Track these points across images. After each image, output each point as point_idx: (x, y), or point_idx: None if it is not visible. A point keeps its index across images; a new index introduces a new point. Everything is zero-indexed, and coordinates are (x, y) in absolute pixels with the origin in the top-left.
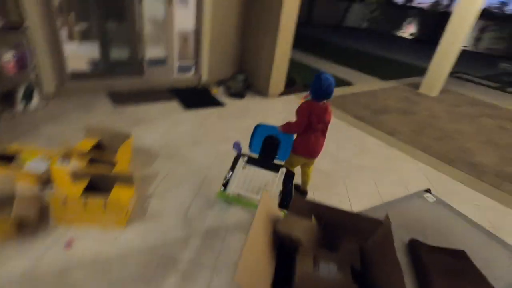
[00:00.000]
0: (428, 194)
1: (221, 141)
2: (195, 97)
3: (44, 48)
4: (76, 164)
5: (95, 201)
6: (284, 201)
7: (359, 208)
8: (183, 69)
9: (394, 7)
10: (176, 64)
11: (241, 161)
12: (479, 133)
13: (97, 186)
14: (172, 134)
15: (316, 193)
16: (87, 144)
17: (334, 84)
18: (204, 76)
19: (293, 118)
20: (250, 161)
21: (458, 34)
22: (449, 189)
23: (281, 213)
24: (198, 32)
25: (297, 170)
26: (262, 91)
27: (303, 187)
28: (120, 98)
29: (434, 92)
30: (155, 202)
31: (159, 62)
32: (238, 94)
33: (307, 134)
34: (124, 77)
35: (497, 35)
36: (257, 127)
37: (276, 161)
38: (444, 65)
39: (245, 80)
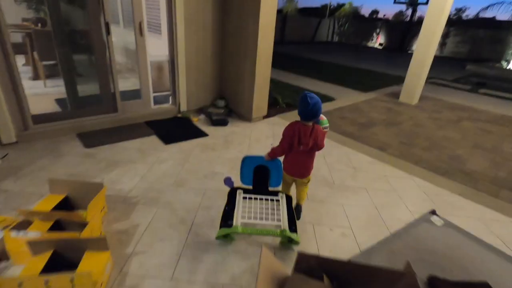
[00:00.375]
0: (434, 217)
1: (208, 177)
2: (176, 129)
3: None
4: (36, 231)
5: (60, 278)
6: (292, 224)
7: (365, 239)
8: (160, 100)
9: (361, 20)
10: (151, 95)
11: (239, 194)
12: (464, 138)
13: (63, 256)
14: (153, 175)
15: (317, 227)
16: (50, 201)
17: (319, 103)
18: (183, 105)
19: (278, 141)
20: (246, 192)
21: (430, 42)
22: (450, 204)
23: (284, 268)
24: (173, 60)
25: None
26: (245, 116)
27: (296, 201)
28: (92, 139)
29: (414, 100)
30: (135, 265)
31: (134, 94)
32: (221, 122)
33: (292, 154)
34: (96, 114)
35: (459, 40)
36: (244, 159)
37: (271, 188)
38: (420, 73)
39: (227, 106)
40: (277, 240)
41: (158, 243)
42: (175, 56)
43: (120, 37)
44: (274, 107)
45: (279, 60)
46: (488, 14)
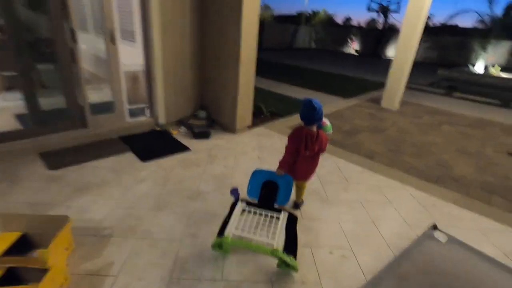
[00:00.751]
0: (437, 233)
1: (193, 198)
2: (154, 144)
3: None
4: None
5: None
6: (289, 246)
7: (367, 261)
8: (135, 113)
9: (336, 27)
10: (126, 107)
11: (240, 206)
12: (447, 143)
13: None
14: (129, 199)
15: (315, 251)
16: (2, 242)
17: (318, 108)
18: (161, 118)
19: (267, 153)
20: (249, 205)
21: (408, 49)
22: (447, 215)
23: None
24: (149, 70)
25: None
26: (228, 127)
27: (296, 200)
28: (57, 159)
29: (395, 106)
30: None
31: (106, 107)
32: (203, 134)
33: (297, 160)
34: (62, 130)
35: (429, 46)
36: (254, 172)
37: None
38: (400, 79)
39: (209, 117)
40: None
41: (136, 285)
42: (152, 65)
43: (91, 45)
44: (258, 117)
45: (259, 67)
46: (454, 22)
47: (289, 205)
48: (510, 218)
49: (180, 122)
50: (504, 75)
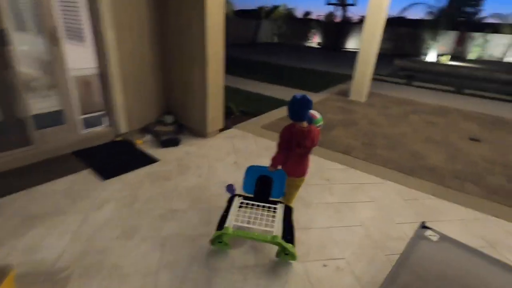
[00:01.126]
0: (428, 231)
1: (166, 218)
2: (116, 158)
3: None
4: None
5: None
6: (287, 235)
7: (363, 270)
8: (91, 123)
9: (297, 21)
10: (79, 118)
11: (237, 200)
12: (416, 132)
13: None
14: (90, 229)
15: (309, 267)
16: None
17: (305, 103)
18: (123, 126)
19: (243, 158)
20: (246, 199)
21: (372, 42)
22: (429, 208)
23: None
24: (103, 73)
25: None
26: (199, 131)
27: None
28: None
29: (363, 98)
30: None
31: (54, 118)
32: (171, 142)
33: (289, 157)
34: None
35: (385, 37)
36: (248, 169)
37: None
38: (366, 71)
39: (176, 122)
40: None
41: None
42: (107, 68)
43: (33, 47)
44: (229, 118)
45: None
46: (407, 14)
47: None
48: (484, 205)
49: (144, 130)
50: (453, 63)
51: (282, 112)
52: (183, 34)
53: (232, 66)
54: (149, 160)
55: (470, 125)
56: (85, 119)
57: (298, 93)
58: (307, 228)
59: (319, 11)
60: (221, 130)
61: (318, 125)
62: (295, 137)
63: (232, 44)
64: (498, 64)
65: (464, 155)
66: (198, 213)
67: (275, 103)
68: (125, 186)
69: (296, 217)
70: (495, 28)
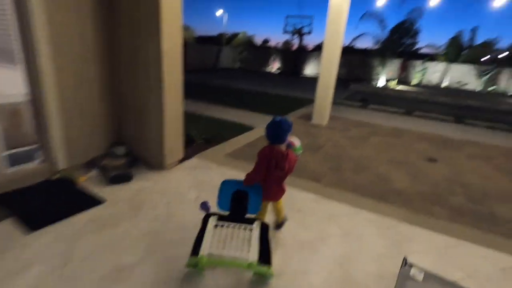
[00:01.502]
0: (412, 270)
1: (111, 279)
2: (50, 201)
3: None
4: None
5: None
6: (264, 256)
7: None
8: (20, 159)
9: (257, 48)
10: (3, 153)
11: (212, 220)
12: (379, 154)
13: None
14: None
15: None
16: None
17: (285, 126)
18: (62, 161)
19: (207, 192)
20: (221, 219)
21: (331, 67)
22: (405, 237)
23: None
24: (37, 99)
25: None
26: (155, 163)
27: (277, 221)
28: None
29: (325, 121)
30: None
31: None
32: (122, 177)
33: (267, 179)
34: None
35: (340, 63)
36: (223, 183)
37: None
38: (327, 95)
39: (129, 153)
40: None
41: None
42: (41, 94)
43: None
44: (191, 146)
45: (186, 89)
46: (356, 44)
47: (271, 227)
48: (454, 229)
49: (90, 164)
50: (399, 87)
51: (246, 138)
52: (137, 57)
53: (194, 91)
54: (93, 201)
55: (424, 145)
56: (11, 155)
57: (276, 116)
58: (281, 275)
59: (278, 38)
60: (182, 160)
61: (298, 153)
62: (276, 159)
63: (193, 69)
64: (437, 89)
65: (425, 176)
66: (154, 267)
67: (239, 129)
68: (58, 238)
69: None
70: (431, 57)
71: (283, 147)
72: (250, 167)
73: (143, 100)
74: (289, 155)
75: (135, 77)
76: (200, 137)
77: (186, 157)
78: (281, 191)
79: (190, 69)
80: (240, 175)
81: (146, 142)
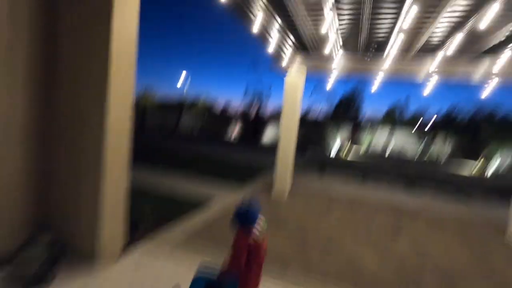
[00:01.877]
0: None
1: None
2: None
3: None
4: None
5: None
6: None
7: None
8: None
9: (216, 116)
10: None
11: None
12: (343, 228)
13: None
14: None
15: None
16: None
17: (256, 213)
18: None
19: None
20: None
21: (290, 141)
22: None
23: None
24: None
25: None
26: (88, 255)
27: None
28: None
29: (286, 194)
30: None
31: None
32: (39, 279)
33: (247, 271)
34: None
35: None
36: (195, 281)
37: None
38: (286, 170)
39: (54, 244)
40: None
41: None
42: None
43: None
44: (135, 230)
45: (137, 154)
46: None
47: None
48: None
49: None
50: (349, 158)
51: (202, 216)
52: (76, 121)
53: (150, 155)
54: None
55: (383, 217)
56: None
57: (243, 202)
58: None
59: (239, 100)
60: (124, 249)
61: (264, 229)
62: (254, 250)
63: (149, 133)
64: (382, 157)
65: (393, 254)
66: None
67: (194, 203)
68: None
69: None
70: (372, 127)
71: (255, 232)
72: (214, 251)
73: (77, 177)
74: (263, 244)
75: (71, 143)
76: (148, 219)
77: (130, 243)
78: (259, 280)
79: (147, 132)
80: (194, 269)
81: (78, 228)
